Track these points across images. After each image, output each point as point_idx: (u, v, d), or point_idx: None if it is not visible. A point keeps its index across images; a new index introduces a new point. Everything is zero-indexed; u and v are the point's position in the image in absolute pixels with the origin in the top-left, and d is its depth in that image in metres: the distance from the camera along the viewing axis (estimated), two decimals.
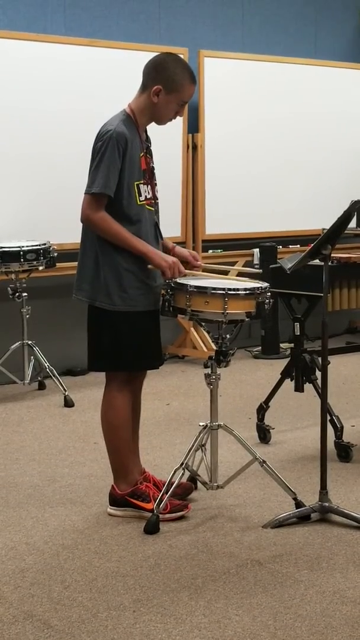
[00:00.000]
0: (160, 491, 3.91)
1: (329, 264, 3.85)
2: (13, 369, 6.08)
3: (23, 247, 5.81)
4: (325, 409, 3.92)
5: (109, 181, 3.72)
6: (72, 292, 3.96)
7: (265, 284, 3.91)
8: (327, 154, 7.88)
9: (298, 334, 4.78)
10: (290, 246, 7.55)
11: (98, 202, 3.74)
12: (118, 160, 3.73)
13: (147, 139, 3.97)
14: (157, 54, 3.97)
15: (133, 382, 4.01)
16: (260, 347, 7.41)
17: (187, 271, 3.92)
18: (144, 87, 3.86)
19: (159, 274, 3.90)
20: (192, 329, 7.17)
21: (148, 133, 3.98)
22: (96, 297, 3.84)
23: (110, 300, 3.82)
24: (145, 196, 3.86)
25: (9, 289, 5.99)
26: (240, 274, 5.76)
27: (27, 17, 6.47)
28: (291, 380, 4.83)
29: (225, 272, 4.21)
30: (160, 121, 3.92)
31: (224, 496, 4.17)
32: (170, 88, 3.81)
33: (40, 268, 5.90)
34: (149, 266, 3.83)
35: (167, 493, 3.87)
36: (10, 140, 6.21)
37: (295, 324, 4.79)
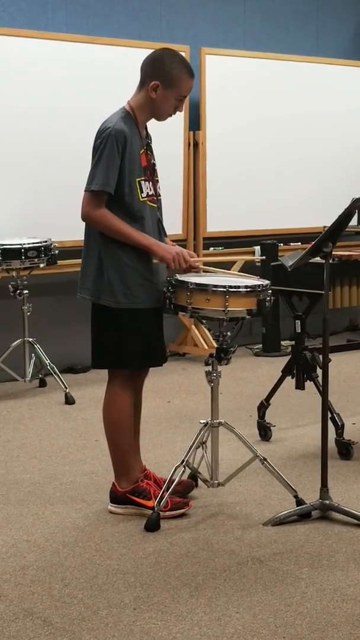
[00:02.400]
0: (161, 489, 3.92)
1: (330, 261, 3.85)
2: (14, 366, 6.08)
3: (24, 244, 5.81)
4: (326, 407, 3.92)
5: (108, 178, 3.72)
6: (73, 290, 3.96)
7: (266, 282, 3.91)
8: (328, 151, 7.88)
9: (299, 331, 4.78)
10: (291, 244, 7.55)
11: (98, 200, 3.74)
12: (117, 157, 3.72)
13: (148, 136, 3.96)
14: None
15: (135, 379, 4.01)
16: (261, 345, 7.41)
17: (192, 260, 3.91)
18: (142, 83, 3.86)
19: (161, 272, 3.90)
20: (193, 326, 7.17)
21: (149, 130, 3.98)
22: (100, 295, 3.84)
23: (114, 298, 3.82)
24: (147, 193, 3.85)
25: (10, 286, 5.99)
26: (244, 266, 5.78)
27: (28, 15, 6.47)
28: (292, 377, 4.83)
29: (228, 269, 4.20)
30: (160, 117, 3.92)
31: (224, 494, 4.17)
32: (167, 83, 3.80)
33: (42, 265, 5.90)
34: (154, 260, 3.82)
35: (167, 490, 3.87)
36: (11, 137, 6.20)
37: (296, 321, 4.79)
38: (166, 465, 4.34)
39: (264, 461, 3.97)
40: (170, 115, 3.93)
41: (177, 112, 3.93)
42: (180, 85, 3.84)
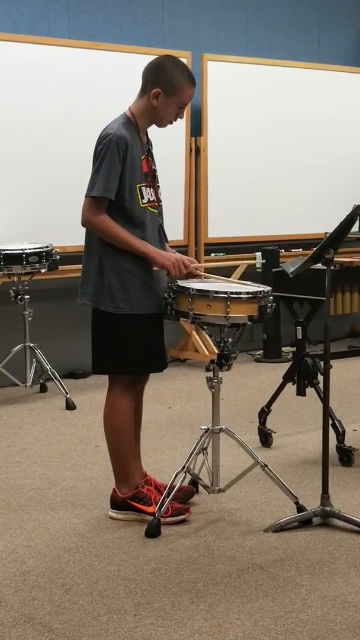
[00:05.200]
0: (162, 494, 3.91)
1: (332, 268, 3.85)
2: (15, 371, 6.08)
3: (25, 249, 5.81)
4: (327, 413, 3.92)
5: (109, 185, 3.72)
6: (74, 295, 3.97)
7: (268, 288, 3.91)
8: (330, 157, 7.89)
9: (300, 337, 4.78)
10: (292, 250, 7.55)
11: (98, 206, 3.75)
12: (118, 163, 3.73)
13: (149, 142, 3.97)
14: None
15: (136, 385, 4.01)
16: (262, 351, 7.40)
17: (192, 266, 3.92)
18: (144, 90, 3.86)
19: (162, 277, 3.90)
20: (194, 332, 7.17)
21: (149, 136, 3.99)
22: (100, 301, 3.85)
23: (115, 304, 3.82)
24: (148, 199, 3.86)
25: (11, 291, 6.00)
26: (244, 272, 5.77)
27: (31, 20, 6.49)
28: (293, 384, 4.82)
29: (229, 275, 4.20)
30: (161, 124, 3.93)
31: (225, 500, 4.16)
32: (169, 91, 3.81)
33: (43, 271, 5.90)
34: (154, 268, 3.83)
35: (168, 496, 3.87)
36: (13, 142, 6.22)
37: (297, 327, 4.79)
38: (167, 471, 4.34)
39: (264, 467, 3.96)
40: (171, 123, 3.94)
41: (178, 119, 3.94)
42: (182, 93, 3.84)
